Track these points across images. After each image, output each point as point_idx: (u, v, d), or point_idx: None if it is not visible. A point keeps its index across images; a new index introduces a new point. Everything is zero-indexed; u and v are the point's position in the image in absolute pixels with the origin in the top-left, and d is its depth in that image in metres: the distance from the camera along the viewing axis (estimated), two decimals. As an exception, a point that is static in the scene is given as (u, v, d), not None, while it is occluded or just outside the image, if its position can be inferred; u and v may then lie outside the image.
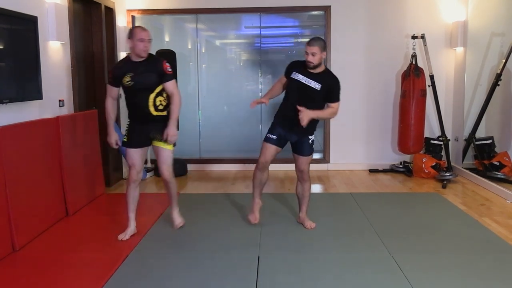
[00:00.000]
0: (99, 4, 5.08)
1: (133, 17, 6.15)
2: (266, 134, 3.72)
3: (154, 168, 5.88)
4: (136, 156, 3.55)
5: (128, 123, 3.59)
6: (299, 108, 3.43)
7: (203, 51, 6.37)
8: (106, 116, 3.56)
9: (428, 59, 5.61)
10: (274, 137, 3.66)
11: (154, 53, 5.56)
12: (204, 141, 6.41)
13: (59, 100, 4.23)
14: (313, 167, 6.14)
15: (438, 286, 2.79)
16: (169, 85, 3.46)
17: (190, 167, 6.09)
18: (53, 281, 2.87)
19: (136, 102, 3.46)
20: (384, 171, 6.03)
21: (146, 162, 5.99)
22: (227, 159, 6.30)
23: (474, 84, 5.78)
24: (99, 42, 5.13)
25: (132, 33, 3.40)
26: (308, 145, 3.68)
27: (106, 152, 5.17)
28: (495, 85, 5.45)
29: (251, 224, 3.86)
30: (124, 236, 3.58)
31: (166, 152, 3.57)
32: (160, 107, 3.48)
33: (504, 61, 5.38)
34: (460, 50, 5.80)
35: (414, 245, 3.44)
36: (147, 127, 3.52)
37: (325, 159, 6.24)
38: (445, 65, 6.00)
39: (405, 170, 5.86)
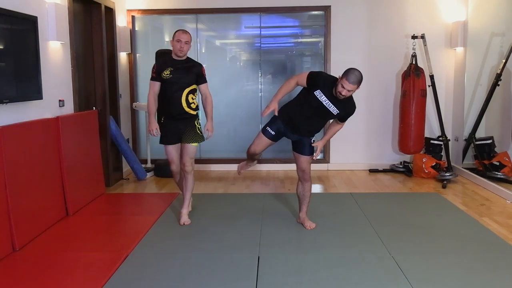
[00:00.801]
0: (99, 4, 5.08)
1: (133, 17, 6.15)
2: (265, 126, 3.68)
3: (154, 168, 5.89)
4: (173, 152, 3.95)
5: (162, 121, 3.89)
6: (314, 144, 3.63)
7: (203, 51, 6.37)
8: (148, 108, 3.89)
9: (428, 59, 5.61)
10: (273, 132, 3.64)
11: (154, 53, 5.62)
12: (204, 141, 6.39)
13: (59, 100, 4.23)
14: (313, 167, 6.12)
15: (438, 286, 2.79)
16: (205, 86, 3.91)
17: (190, 167, 6.08)
18: (53, 281, 2.87)
19: (171, 95, 3.80)
20: (384, 171, 6.03)
21: (146, 162, 6.02)
22: (227, 159, 6.29)
23: (474, 84, 5.78)
24: (99, 42, 5.13)
25: (173, 34, 3.79)
26: (309, 145, 3.66)
27: (106, 152, 5.18)
28: (495, 85, 5.45)
29: (251, 224, 3.88)
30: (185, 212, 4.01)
31: (192, 147, 3.93)
32: (192, 105, 3.86)
33: (504, 61, 5.38)
34: (460, 50, 5.80)
35: (414, 245, 3.44)
36: (178, 125, 3.86)
37: (325, 159, 6.24)
38: (445, 65, 6.00)
39: (405, 170, 5.87)
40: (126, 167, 5.78)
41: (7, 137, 3.26)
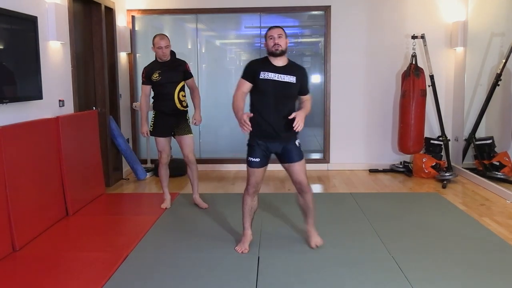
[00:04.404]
0: (99, 4, 5.09)
1: (133, 17, 6.15)
2: (247, 158, 3.34)
3: (154, 168, 5.89)
4: (163, 143, 4.25)
5: (154, 115, 4.24)
6: (293, 114, 3.11)
7: (203, 51, 6.37)
8: (141, 110, 4.34)
9: (428, 59, 5.61)
10: (257, 159, 3.30)
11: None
12: (204, 141, 6.41)
13: (59, 100, 4.23)
14: (313, 167, 6.17)
15: (438, 286, 2.79)
16: (192, 81, 4.26)
17: (190, 167, 6.08)
18: (53, 281, 2.87)
19: (163, 94, 4.14)
20: (384, 171, 6.03)
21: (146, 162, 6.02)
22: (227, 159, 6.30)
23: (474, 84, 5.78)
24: (99, 42, 5.14)
25: (153, 42, 4.10)
26: (296, 148, 3.29)
27: (106, 152, 5.18)
28: (495, 85, 5.45)
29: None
30: (166, 205, 4.35)
31: (189, 138, 4.25)
32: (183, 103, 4.20)
33: (504, 61, 5.38)
34: (460, 50, 5.80)
35: (414, 245, 3.44)
36: (170, 120, 4.19)
37: (325, 159, 6.24)
38: (445, 65, 6.00)
39: (405, 170, 5.87)
40: (126, 167, 5.78)
41: (7, 137, 3.26)
